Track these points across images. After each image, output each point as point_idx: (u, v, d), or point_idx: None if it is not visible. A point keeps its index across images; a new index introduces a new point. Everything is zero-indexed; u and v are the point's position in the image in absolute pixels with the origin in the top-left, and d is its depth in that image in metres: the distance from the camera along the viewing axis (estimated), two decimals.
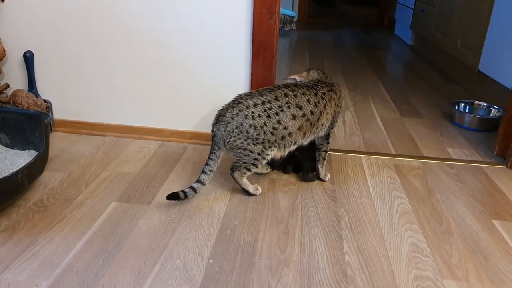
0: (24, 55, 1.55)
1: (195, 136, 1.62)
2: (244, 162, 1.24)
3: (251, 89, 1.51)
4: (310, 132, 1.28)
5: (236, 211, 1.21)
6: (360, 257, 1.05)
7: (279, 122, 1.21)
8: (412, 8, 3.63)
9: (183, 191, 1.21)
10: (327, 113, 1.29)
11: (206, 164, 1.23)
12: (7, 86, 1.59)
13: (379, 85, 2.53)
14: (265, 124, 1.20)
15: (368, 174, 1.46)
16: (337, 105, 1.33)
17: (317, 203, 1.27)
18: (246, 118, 1.19)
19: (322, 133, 1.33)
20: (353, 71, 2.83)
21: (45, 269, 0.96)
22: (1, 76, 1.61)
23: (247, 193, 1.29)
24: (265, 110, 1.20)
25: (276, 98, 1.22)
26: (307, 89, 1.26)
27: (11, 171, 1.19)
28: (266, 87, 1.26)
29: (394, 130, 1.87)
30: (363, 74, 2.76)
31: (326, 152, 1.37)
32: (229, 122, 1.20)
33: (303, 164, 1.38)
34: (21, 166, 1.19)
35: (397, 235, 1.14)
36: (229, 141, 1.21)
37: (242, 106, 1.20)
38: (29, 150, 1.37)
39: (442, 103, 2.25)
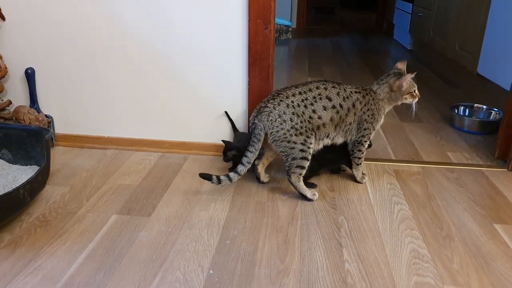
0: (26, 71, 1.58)
1: (195, 147, 1.64)
2: (293, 159, 1.27)
3: (249, 99, 1.52)
4: (340, 127, 1.32)
5: (235, 221, 1.22)
6: (360, 265, 1.05)
7: (314, 111, 1.26)
8: (410, 12, 3.65)
9: (217, 176, 1.26)
10: (354, 113, 1.32)
11: (245, 156, 1.26)
12: (10, 102, 1.62)
13: None
14: (303, 113, 1.25)
15: (368, 181, 1.46)
16: (363, 112, 1.34)
17: (317, 211, 1.27)
18: (288, 107, 1.25)
19: (350, 135, 1.36)
20: (352, 76, 2.84)
21: (46, 284, 0.97)
22: (3, 93, 1.63)
23: (304, 197, 1.32)
24: (302, 100, 1.26)
25: (310, 90, 1.28)
26: (337, 84, 1.32)
27: (14, 187, 1.21)
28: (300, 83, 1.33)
29: (394, 135, 1.87)
30: (363, 79, 2.77)
31: (359, 158, 1.40)
32: (271, 112, 1.25)
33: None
34: (23, 181, 1.21)
35: (397, 241, 1.14)
36: (272, 132, 1.25)
37: (282, 96, 1.26)
38: (31, 165, 1.39)
39: (442, 107, 2.25)
